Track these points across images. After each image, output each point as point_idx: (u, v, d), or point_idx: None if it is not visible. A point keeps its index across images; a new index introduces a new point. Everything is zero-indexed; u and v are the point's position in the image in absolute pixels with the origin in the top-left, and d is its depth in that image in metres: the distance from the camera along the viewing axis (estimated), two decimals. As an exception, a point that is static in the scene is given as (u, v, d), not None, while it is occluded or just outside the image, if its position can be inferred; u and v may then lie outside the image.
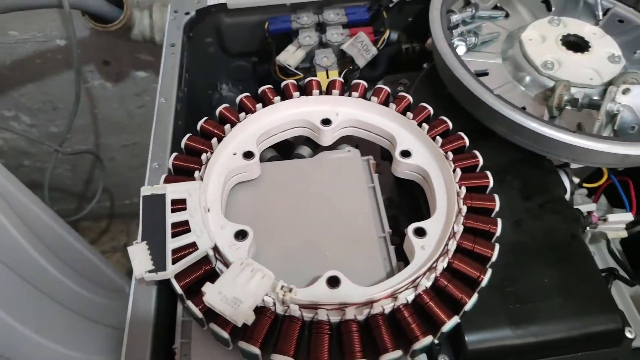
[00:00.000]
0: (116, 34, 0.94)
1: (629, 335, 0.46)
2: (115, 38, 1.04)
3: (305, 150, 0.58)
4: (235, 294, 0.38)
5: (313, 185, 0.53)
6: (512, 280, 0.46)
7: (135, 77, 1.20)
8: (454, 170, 0.48)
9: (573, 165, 0.57)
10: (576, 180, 0.60)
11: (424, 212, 0.52)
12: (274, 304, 0.39)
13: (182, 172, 0.49)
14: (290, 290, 0.39)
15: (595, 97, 0.57)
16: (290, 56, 0.71)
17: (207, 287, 0.38)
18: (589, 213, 0.55)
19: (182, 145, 0.51)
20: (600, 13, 0.71)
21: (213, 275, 0.42)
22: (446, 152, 0.50)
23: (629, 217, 0.54)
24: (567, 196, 0.55)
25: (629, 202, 0.56)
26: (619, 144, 0.49)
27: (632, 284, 0.56)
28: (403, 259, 0.48)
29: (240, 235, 0.44)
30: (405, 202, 0.59)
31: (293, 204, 0.51)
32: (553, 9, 0.72)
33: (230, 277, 0.39)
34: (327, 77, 0.69)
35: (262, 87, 0.57)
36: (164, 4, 0.98)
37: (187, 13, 0.74)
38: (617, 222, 0.54)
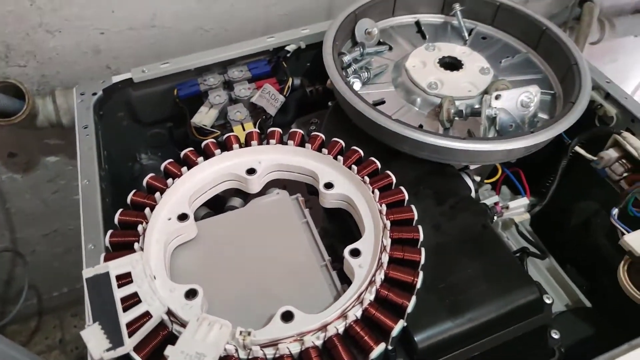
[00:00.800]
0: (21, 125, 0.93)
1: (547, 301, 0.53)
2: (20, 129, 1.02)
3: (236, 201, 0.61)
4: (198, 349, 0.39)
5: (250, 232, 0.56)
6: (442, 277, 0.52)
7: (45, 163, 1.17)
8: (372, 192, 0.54)
9: (472, 167, 0.66)
10: (478, 178, 0.68)
11: (356, 234, 0.56)
12: (236, 350, 0.42)
13: (121, 247, 0.50)
14: (249, 333, 0.42)
15: (477, 106, 0.66)
16: (204, 117, 0.75)
17: (169, 350, 0.39)
18: (495, 204, 0.63)
19: (116, 221, 0.53)
20: (466, 34, 0.82)
21: (172, 339, 0.43)
22: (363, 177, 0.56)
23: (525, 201, 0.63)
24: (473, 194, 0.63)
25: (523, 189, 0.65)
26: (500, 141, 0.58)
27: (542, 257, 0.65)
28: (347, 281, 0.52)
29: (191, 294, 0.46)
30: (338, 229, 0.64)
31: (235, 253, 0.54)
32: (427, 37, 0.83)
33: (189, 335, 0.40)
34: (244, 129, 0.74)
35: (184, 151, 0.60)
36: (66, 87, 0.98)
37: (95, 93, 0.76)
38: (518, 207, 0.63)
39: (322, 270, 0.53)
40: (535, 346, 0.55)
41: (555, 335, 0.56)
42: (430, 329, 0.49)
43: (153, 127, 0.89)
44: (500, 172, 0.67)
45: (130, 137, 0.89)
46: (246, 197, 0.62)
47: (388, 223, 0.51)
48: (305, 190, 0.65)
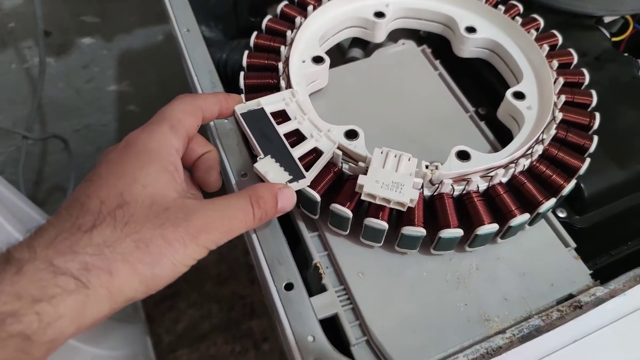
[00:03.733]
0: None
1: None
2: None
3: (357, 52, 0.55)
4: (393, 179, 0.35)
5: (383, 82, 0.51)
6: (602, 125, 0.48)
7: (81, 45, 1.07)
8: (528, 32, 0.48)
9: (607, 19, 0.60)
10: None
11: (496, 89, 0.51)
12: (422, 186, 0.38)
13: (256, 90, 0.45)
14: (436, 167, 0.38)
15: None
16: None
17: (362, 179, 0.35)
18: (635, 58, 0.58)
19: (244, 63, 0.47)
20: None
21: (341, 178, 0.40)
22: (513, 18, 0.50)
23: (669, 54, 0.58)
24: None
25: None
26: (662, -19, 0.52)
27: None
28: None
29: (352, 134, 0.41)
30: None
31: (373, 103, 0.49)
32: None
33: (378, 166, 0.36)
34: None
35: (299, -7, 0.53)
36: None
37: (164, -60, 0.66)
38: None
39: (471, 120, 0.48)
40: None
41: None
42: (597, 176, 0.45)
43: (217, -8, 0.80)
44: (631, 26, 0.61)
45: (192, 5, 0.80)
46: (365, 48, 0.56)
47: (555, 63, 0.46)
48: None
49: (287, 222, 0.43)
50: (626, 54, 0.57)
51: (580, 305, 0.37)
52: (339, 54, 0.58)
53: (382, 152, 0.37)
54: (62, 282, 0.27)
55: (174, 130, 0.34)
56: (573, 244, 0.42)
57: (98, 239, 0.28)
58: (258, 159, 0.37)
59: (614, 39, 0.63)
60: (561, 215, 0.46)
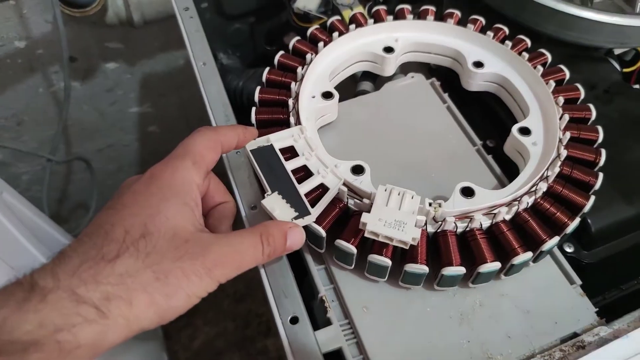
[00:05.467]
0: (92, 20, 0.87)
1: None
2: (87, 26, 0.95)
3: (367, 85, 0.56)
4: (395, 217, 0.36)
5: (392, 115, 0.52)
6: (609, 160, 0.48)
7: (105, 70, 1.12)
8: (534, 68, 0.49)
9: (617, 51, 0.60)
10: (615, 67, 0.63)
11: (504, 122, 0.52)
12: (425, 223, 0.39)
13: (267, 125, 0.46)
14: (440, 205, 0.39)
15: (625, -17, 0.59)
16: (308, 1, 0.68)
17: (366, 217, 0.36)
18: (645, 91, 0.58)
19: (256, 98, 0.48)
20: None
21: (347, 213, 0.41)
22: (519, 53, 0.51)
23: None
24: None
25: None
26: (671, 15, 0.52)
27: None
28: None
29: (358, 170, 0.42)
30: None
31: (381, 136, 0.50)
32: None
33: (382, 203, 0.37)
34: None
35: (311, 29, 0.54)
36: (133, -20, 0.91)
37: (185, -25, 0.69)
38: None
39: (478, 154, 0.49)
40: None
41: None
42: (604, 212, 0.45)
43: (235, 22, 0.83)
44: (643, 59, 0.62)
45: (210, 34, 0.83)
46: (375, 82, 0.57)
47: (561, 99, 0.46)
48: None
49: (295, 254, 0.45)
50: (636, 86, 0.57)
51: (584, 345, 0.37)
52: (353, 83, 0.60)
53: (385, 190, 0.38)
54: (84, 311, 0.28)
55: (197, 166, 0.36)
56: (579, 281, 0.42)
57: (121, 269, 0.29)
58: (266, 195, 0.39)
59: (625, 70, 0.63)
60: (569, 250, 0.46)
